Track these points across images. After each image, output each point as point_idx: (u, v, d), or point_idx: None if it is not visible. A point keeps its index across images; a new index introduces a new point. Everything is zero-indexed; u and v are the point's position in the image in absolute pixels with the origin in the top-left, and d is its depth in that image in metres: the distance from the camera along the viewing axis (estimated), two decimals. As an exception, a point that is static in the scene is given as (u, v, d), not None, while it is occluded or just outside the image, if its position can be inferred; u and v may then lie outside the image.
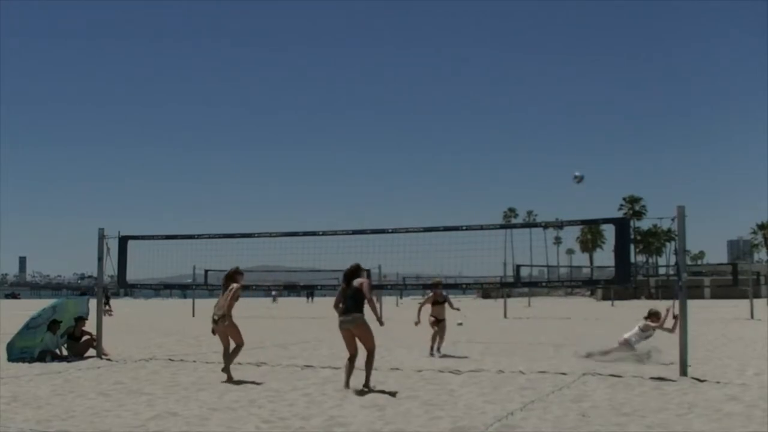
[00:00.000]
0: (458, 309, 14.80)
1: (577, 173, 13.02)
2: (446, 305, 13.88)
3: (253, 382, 9.94)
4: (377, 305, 35.01)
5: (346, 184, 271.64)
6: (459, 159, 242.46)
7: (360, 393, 8.71)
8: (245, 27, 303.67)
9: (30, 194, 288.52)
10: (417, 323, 13.85)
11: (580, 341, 15.02)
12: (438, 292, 13.83)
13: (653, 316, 12.24)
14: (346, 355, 9.28)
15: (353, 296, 9.09)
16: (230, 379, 9.90)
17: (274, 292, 56.79)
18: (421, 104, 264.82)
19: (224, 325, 10.05)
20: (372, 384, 9.10)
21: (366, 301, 9.05)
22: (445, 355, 13.20)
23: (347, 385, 9.09)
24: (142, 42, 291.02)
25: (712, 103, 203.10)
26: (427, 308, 13.89)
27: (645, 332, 12.18)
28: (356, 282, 9.16)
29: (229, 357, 10.10)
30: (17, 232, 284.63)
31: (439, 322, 13.65)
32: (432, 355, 13.33)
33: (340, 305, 9.22)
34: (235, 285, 10.14)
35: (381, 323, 9.29)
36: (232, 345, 10.18)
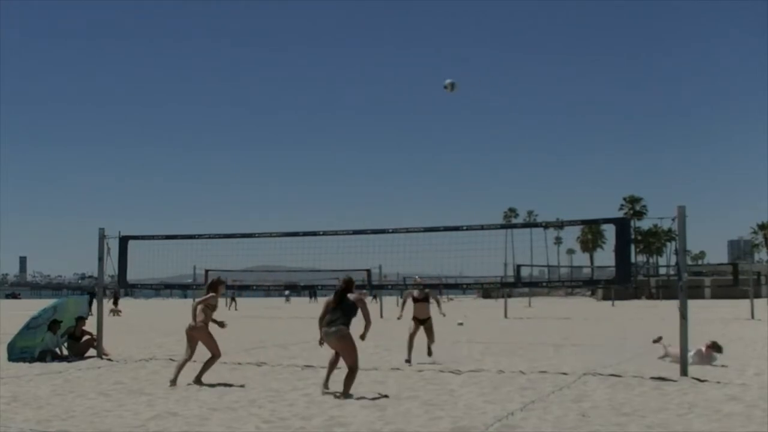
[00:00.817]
0: (444, 315, 13.39)
1: (447, 81, 12.65)
2: (430, 304, 12.54)
3: (252, 383, 9.95)
4: (376, 305, 34.86)
5: (346, 184, 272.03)
6: (459, 159, 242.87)
7: (347, 396, 8.45)
8: (245, 27, 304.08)
9: (30, 194, 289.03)
10: (399, 317, 13.23)
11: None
12: (419, 289, 12.63)
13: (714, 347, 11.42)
14: (332, 352, 8.97)
15: (348, 310, 8.67)
16: (199, 382, 9.63)
17: (287, 292, 56.75)
18: (421, 104, 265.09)
19: (196, 332, 9.75)
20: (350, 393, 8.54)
21: (363, 315, 8.69)
22: (434, 362, 12.05)
23: (326, 385, 8.82)
24: (142, 42, 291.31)
25: (712, 103, 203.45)
26: (411, 306, 12.75)
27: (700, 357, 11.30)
28: (352, 297, 8.77)
29: (203, 366, 9.79)
30: (17, 232, 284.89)
31: (422, 322, 12.45)
32: (408, 361, 11.88)
33: (327, 316, 8.72)
34: (211, 293, 9.87)
35: (362, 338, 8.71)
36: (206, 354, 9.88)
